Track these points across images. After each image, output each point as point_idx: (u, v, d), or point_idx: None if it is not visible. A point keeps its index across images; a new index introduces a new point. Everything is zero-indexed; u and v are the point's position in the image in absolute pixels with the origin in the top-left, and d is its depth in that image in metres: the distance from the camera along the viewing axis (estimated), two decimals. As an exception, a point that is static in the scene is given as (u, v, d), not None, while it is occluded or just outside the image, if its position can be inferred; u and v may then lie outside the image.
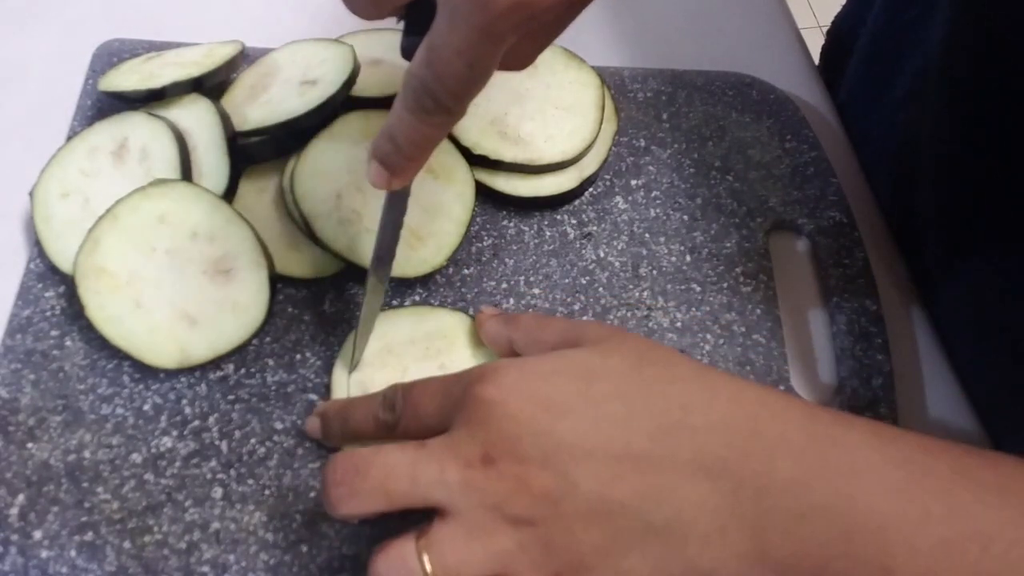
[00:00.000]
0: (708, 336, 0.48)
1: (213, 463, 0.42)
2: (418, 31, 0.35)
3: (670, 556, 0.33)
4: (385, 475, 0.34)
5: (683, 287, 0.49)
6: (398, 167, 0.37)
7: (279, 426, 0.43)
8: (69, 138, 0.50)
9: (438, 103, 0.35)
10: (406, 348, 0.44)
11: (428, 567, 0.33)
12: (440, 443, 0.35)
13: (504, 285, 0.48)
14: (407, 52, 0.36)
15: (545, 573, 0.33)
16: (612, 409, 0.34)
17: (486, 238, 0.50)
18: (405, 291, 0.47)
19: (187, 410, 0.43)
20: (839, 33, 0.68)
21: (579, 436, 0.34)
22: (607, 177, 0.53)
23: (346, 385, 0.43)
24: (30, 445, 0.42)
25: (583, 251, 0.50)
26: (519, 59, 0.38)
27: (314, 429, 0.42)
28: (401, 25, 0.38)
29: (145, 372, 0.44)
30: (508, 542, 0.33)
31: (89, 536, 0.40)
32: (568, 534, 0.33)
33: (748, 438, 0.34)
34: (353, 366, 0.44)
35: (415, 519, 0.34)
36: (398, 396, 0.38)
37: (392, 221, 0.42)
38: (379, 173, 0.38)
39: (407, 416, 0.38)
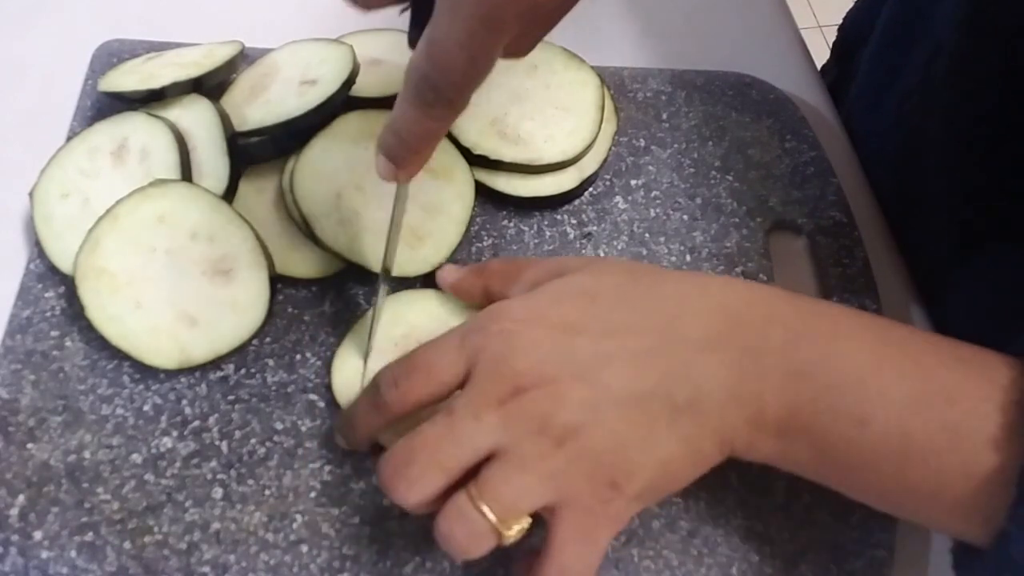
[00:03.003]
0: (708, 336, 0.48)
1: (213, 463, 0.42)
2: (425, 22, 0.35)
3: (698, 431, 0.36)
4: (430, 452, 0.35)
5: (683, 287, 0.49)
6: (403, 160, 0.38)
7: (279, 426, 0.43)
8: (69, 138, 0.50)
9: (440, 95, 0.35)
10: (423, 333, 0.44)
11: (488, 512, 0.34)
12: (466, 397, 0.35)
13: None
14: (415, 43, 0.36)
15: (597, 482, 0.35)
16: (620, 316, 0.37)
17: (486, 238, 0.50)
18: (404, 290, 0.47)
19: (187, 410, 0.43)
20: (851, 28, 0.68)
21: (598, 345, 0.36)
22: (607, 177, 0.53)
23: (361, 374, 0.43)
24: (30, 446, 0.42)
25: (583, 251, 0.50)
26: (518, 48, 0.38)
27: (343, 443, 0.42)
28: (403, 20, 0.38)
29: (145, 372, 0.44)
30: (558, 462, 0.34)
31: (89, 536, 0.40)
32: (612, 435, 0.35)
33: (743, 313, 0.37)
34: (367, 353, 0.44)
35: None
36: (399, 371, 0.38)
37: (400, 206, 0.42)
38: (386, 167, 0.38)
39: (420, 387, 0.37)
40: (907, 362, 0.35)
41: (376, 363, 0.43)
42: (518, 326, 0.36)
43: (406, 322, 0.45)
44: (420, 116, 0.36)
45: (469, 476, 0.35)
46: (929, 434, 0.34)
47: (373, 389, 0.39)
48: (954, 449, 0.33)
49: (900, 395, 0.34)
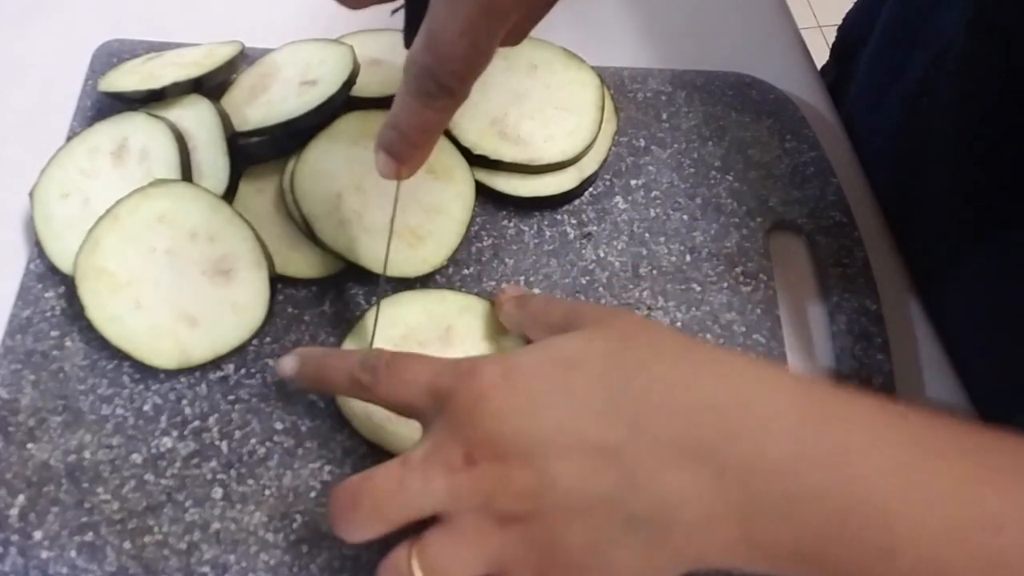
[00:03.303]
0: (708, 336, 0.48)
1: (213, 463, 0.42)
2: (419, 23, 0.35)
3: (656, 547, 0.32)
4: (376, 501, 0.34)
5: (683, 287, 0.49)
6: (405, 155, 0.37)
7: (279, 426, 0.43)
8: (69, 138, 0.50)
9: (441, 86, 0.35)
10: (424, 334, 0.44)
11: (418, 573, 0.33)
12: (422, 453, 0.34)
13: (504, 285, 0.48)
14: (411, 41, 0.36)
15: (532, 570, 0.33)
16: (592, 398, 0.33)
17: (486, 238, 0.50)
18: (404, 291, 0.47)
19: (187, 410, 0.43)
20: (851, 28, 0.68)
21: (557, 430, 0.33)
22: (607, 177, 0.53)
23: None
24: (30, 445, 0.42)
25: (583, 251, 0.50)
26: (513, 35, 0.38)
27: (288, 367, 0.40)
28: (396, 18, 0.38)
29: (145, 372, 0.44)
30: (495, 542, 0.33)
31: (89, 536, 0.40)
32: (550, 531, 0.33)
33: (734, 418, 0.32)
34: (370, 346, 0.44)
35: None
36: (381, 363, 0.37)
37: (395, 208, 0.42)
38: (387, 163, 0.38)
39: (386, 387, 0.37)
40: (943, 483, 0.31)
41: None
42: (487, 391, 0.34)
43: (404, 323, 0.45)
44: (421, 108, 0.36)
45: (420, 524, 0.34)
46: (968, 566, 0.30)
47: (358, 360, 0.38)
48: None
49: (935, 525, 0.30)
